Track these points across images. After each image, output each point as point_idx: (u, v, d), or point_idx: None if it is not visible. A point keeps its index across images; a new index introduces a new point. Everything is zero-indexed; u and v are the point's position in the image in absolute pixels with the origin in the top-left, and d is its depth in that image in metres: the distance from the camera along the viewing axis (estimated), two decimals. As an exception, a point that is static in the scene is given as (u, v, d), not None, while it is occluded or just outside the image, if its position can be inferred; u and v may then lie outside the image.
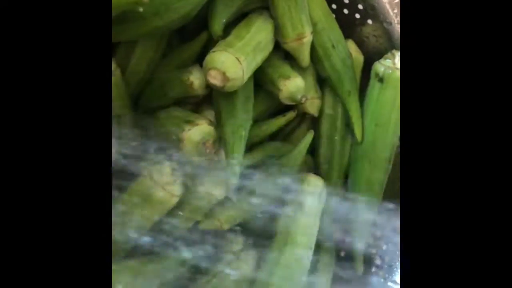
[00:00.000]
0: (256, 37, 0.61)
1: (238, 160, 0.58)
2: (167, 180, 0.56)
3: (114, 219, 0.56)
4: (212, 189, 0.60)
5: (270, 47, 0.63)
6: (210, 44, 0.66)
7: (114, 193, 0.59)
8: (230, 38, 0.60)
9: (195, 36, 0.67)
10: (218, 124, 0.61)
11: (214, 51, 0.57)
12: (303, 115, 0.71)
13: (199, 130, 0.59)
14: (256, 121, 0.65)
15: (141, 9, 0.52)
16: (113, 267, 0.54)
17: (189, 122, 0.60)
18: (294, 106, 0.68)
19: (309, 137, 0.64)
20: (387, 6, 0.66)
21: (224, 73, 0.56)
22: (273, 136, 0.70)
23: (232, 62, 0.56)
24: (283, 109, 0.69)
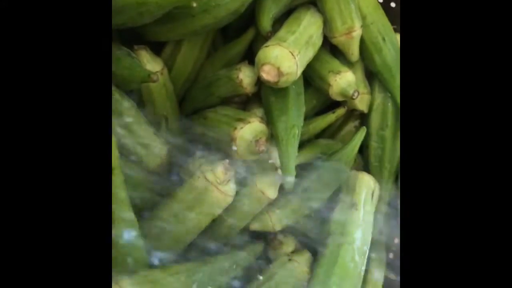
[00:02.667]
0: (307, 31, 0.59)
1: (292, 159, 0.56)
2: (221, 179, 0.54)
3: (167, 219, 0.56)
4: (264, 188, 0.58)
5: (320, 41, 0.62)
6: (256, 42, 0.65)
7: (165, 195, 0.58)
8: (281, 33, 0.58)
9: (238, 34, 0.66)
10: (269, 121, 0.59)
11: (267, 46, 0.56)
12: (350, 112, 0.69)
13: (251, 128, 0.57)
14: (305, 118, 0.63)
15: (194, 4, 0.51)
16: (168, 269, 0.53)
17: (241, 120, 0.58)
18: (344, 102, 0.66)
19: (361, 133, 0.61)
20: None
21: (278, 68, 0.54)
22: (320, 134, 0.68)
23: (286, 56, 0.54)
24: (331, 105, 0.67)
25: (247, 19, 0.65)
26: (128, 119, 0.57)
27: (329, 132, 0.71)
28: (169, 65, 0.64)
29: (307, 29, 0.59)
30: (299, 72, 0.56)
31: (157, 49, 0.64)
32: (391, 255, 0.74)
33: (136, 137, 0.58)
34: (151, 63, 0.60)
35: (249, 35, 0.64)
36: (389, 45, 0.65)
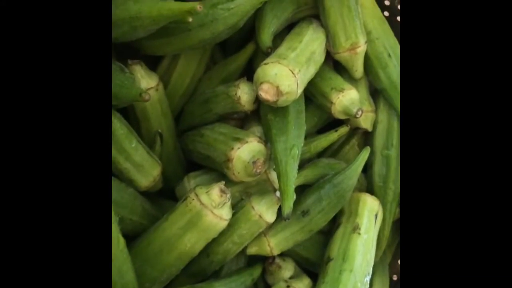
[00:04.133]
0: (309, 48, 0.56)
1: (291, 181, 0.53)
2: (216, 203, 0.52)
3: (160, 243, 0.53)
4: (262, 212, 0.55)
5: (322, 58, 0.59)
6: (256, 57, 0.63)
7: (160, 215, 0.56)
8: (281, 49, 0.56)
9: (238, 49, 0.64)
10: (267, 141, 0.57)
11: (266, 63, 0.53)
12: (353, 129, 0.66)
13: (249, 148, 0.55)
14: (306, 137, 0.60)
15: (190, 19, 0.48)
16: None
17: (238, 139, 0.56)
18: (346, 120, 0.63)
19: (365, 153, 0.59)
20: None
21: (277, 87, 0.52)
22: (321, 152, 0.66)
23: (286, 75, 0.52)
24: (333, 123, 0.65)
25: (247, 33, 0.63)
26: (119, 137, 0.55)
27: (331, 151, 0.68)
28: (165, 80, 0.62)
29: (309, 45, 0.57)
30: (300, 91, 0.54)
31: (153, 63, 0.61)
32: (395, 277, 0.71)
33: (127, 155, 0.55)
34: (145, 79, 0.58)
35: (249, 50, 0.62)
36: (395, 61, 0.62)
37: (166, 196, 0.62)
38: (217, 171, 0.59)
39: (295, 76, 0.52)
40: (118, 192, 0.53)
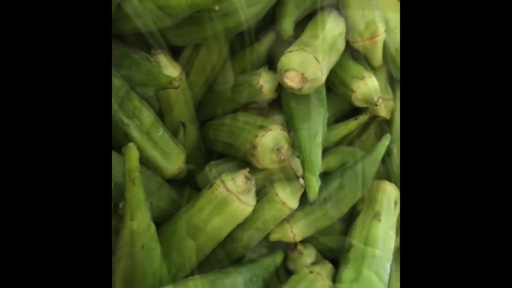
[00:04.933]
0: (331, 36, 0.57)
1: (316, 169, 0.54)
2: (241, 189, 0.52)
3: (186, 230, 0.54)
4: (286, 198, 0.56)
5: (343, 46, 0.60)
6: (275, 46, 0.63)
7: (184, 202, 0.56)
8: (304, 37, 0.56)
9: (256, 38, 0.64)
10: (290, 129, 0.57)
11: (290, 51, 0.54)
12: (370, 119, 0.67)
13: (273, 135, 0.56)
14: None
15: (217, 8, 0.49)
16: (189, 282, 0.51)
17: (262, 127, 0.56)
18: (364, 109, 0.64)
19: (385, 141, 0.60)
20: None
21: (303, 74, 0.52)
22: (338, 142, 0.66)
23: (311, 61, 0.53)
24: (350, 112, 0.65)
25: (268, 23, 0.63)
26: (147, 126, 0.55)
27: (347, 140, 0.68)
28: (186, 70, 0.62)
29: (330, 33, 0.57)
30: (324, 78, 0.55)
31: (174, 54, 0.62)
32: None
33: (154, 144, 0.56)
34: (169, 68, 0.58)
35: (269, 38, 0.62)
36: (413, 50, 0.62)
37: (189, 185, 0.63)
38: (238, 159, 0.60)
39: (319, 63, 0.53)
40: (147, 179, 0.53)
